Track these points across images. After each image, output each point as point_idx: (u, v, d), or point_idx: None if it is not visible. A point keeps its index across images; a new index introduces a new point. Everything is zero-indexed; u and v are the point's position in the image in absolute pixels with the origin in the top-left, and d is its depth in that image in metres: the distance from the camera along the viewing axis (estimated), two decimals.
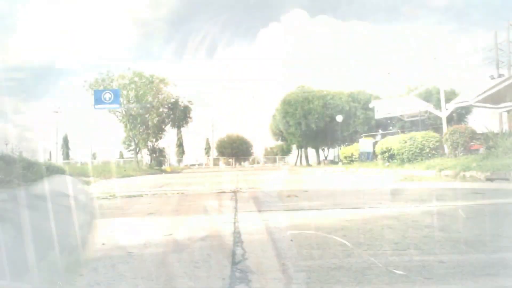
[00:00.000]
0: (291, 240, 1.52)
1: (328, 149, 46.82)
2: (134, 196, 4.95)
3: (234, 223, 1.99)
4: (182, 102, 36.34)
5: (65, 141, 69.36)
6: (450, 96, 30.74)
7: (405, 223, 1.82)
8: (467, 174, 10.21)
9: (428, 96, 32.79)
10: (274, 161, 64.37)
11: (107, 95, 22.97)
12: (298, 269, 1.10)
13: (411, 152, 15.74)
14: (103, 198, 5.00)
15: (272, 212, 2.45)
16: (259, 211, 2.60)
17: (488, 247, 1.31)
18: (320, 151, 44.70)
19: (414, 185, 7.55)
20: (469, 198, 3.25)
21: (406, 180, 9.71)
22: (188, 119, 38.09)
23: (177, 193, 5.40)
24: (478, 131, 14.83)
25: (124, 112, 31.31)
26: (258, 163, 63.45)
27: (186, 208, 2.98)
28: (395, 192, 4.51)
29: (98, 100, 23.55)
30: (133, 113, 30.90)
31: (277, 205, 2.97)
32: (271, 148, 75.69)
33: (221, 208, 2.89)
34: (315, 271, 1.09)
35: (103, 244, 1.49)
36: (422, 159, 15.12)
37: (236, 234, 1.70)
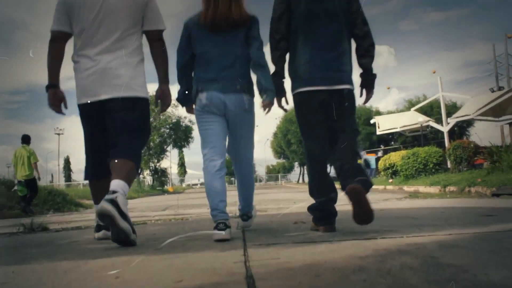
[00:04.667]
0: None
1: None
2: (138, 224, 4.87)
3: (245, 262, 1.90)
4: (184, 122, 36.55)
5: (67, 162, 69.57)
6: (452, 109, 30.78)
7: (424, 260, 1.73)
8: (472, 189, 10.12)
9: (429, 110, 32.82)
10: (276, 179, 64.36)
11: None
12: None
13: (414, 168, 15.62)
14: None
15: (282, 245, 2.37)
16: (268, 244, 2.51)
17: None
18: None
19: (420, 202, 7.45)
20: (484, 223, 3.16)
21: (411, 197, 9.61)
22: (190, 139, 38.15)
23: (182, 219, 5.31)
24: (481, 144, 14.78)
25: None
26: (260, 181, 63.33)
27: (188, 241, 2.90)
28: (404, 215, 4.43)
29: None
30: None
31: (285, 235, 2.89)
32: (273, 166, 75.73)
33: (228, 241, 2.81)
34: None
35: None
36: (426, 175, 15.01)
37: (249, 279, 1.61)
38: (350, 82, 3.13)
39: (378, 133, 25.93)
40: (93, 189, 3.27)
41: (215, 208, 2.92)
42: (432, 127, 24.32)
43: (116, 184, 2.73)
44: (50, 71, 3.16)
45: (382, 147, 37.62)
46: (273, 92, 3.06)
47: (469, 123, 32.22)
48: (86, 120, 3.22)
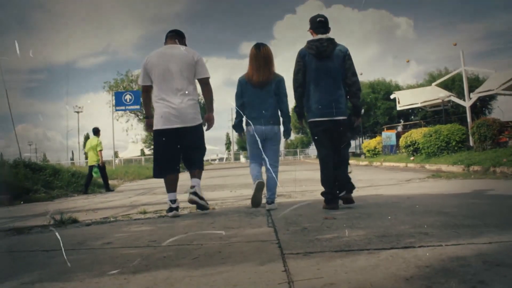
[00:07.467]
0: None
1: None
2: (159, 211, 4.94)
3: (289, 283, 1.88)
4: (202, 98, 36.42)
5: (87, 140, 70.21)
6: (474, 83, 30.18)
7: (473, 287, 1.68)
8: (497, 170, 9.97)
9: (450, 84, 32.23)
10: (295, 153, 64.40)
11: (127, 97, 23.23)
12: None
13: (436, 146, 15.42)
14: (134, 220, 4.95)
15: (320, 255, 2.36)
16: (305, 253, 2.50)
17: None
18: None
19: (445, 185, 7.37)
20: None
21: (434, 177, 9.52)
22: None
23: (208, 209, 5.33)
24: (503, 119, 14.49)
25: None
26: (279, 156, 62.96)
27: (223, 247, 2.91)
28: (434, 208, 4.43)
29: (119, 102, 23.85)
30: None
31: (320, 238, 2.88)
32: (291, 141, 75.65)
33: (263, 246, 2.81)
34: None
35: None
36: (448, 153, 14.83)
37: None
38: (345, 115, 4.82)
39: (398, 108, 25.61)
40: (166, 181, 4.97)
41: (255, 178, 5.11)
42: (453, 102, 23.93)
43: (194, 181, 4.91)
44: (145, 109, 5.41)
45: (402, 122, 37.27)
46: (290, 131, 5.38)
47: (491, 97, 31.61)
48: (160, 139, 4.87)
